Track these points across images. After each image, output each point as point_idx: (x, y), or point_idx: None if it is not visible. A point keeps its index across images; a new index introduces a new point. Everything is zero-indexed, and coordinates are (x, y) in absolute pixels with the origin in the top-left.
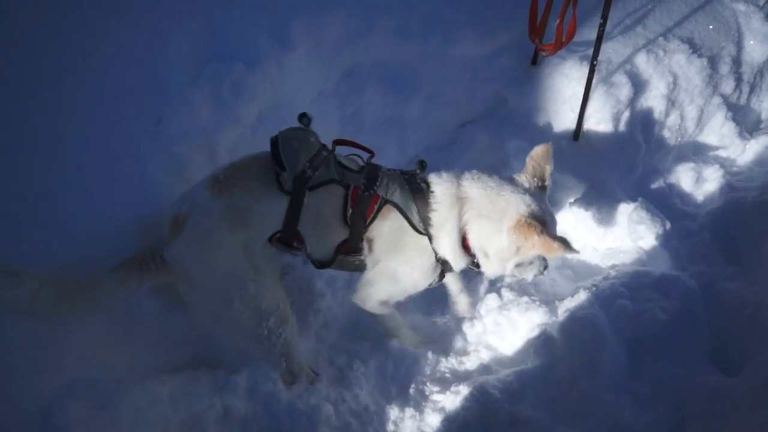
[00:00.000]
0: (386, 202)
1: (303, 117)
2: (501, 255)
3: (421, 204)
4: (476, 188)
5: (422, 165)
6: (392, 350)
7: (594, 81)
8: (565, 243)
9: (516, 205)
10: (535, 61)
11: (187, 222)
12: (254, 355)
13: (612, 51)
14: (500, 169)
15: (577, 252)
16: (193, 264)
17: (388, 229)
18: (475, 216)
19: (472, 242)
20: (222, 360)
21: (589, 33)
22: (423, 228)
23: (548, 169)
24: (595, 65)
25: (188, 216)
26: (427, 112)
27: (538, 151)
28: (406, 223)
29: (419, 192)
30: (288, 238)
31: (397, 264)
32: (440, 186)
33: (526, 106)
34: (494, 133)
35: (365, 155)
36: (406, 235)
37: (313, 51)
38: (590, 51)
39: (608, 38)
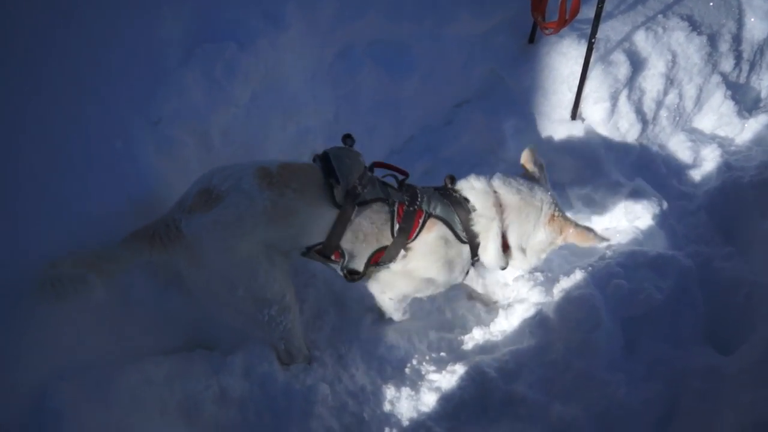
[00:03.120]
0: (430, 216)
1: (348, 138)
2: (538, 249)
3: (462, 215)
4: (511, 194)
5: (452, 179)
6: (388, 331)
7: (592, 59)
8: (596, 233)
9: (548, 203)
10: (532, 39)
11: (222, 200)
12: (251, 336)
13: (610, 29)
14: (496, 149)
15: (608, 240)
16: (211, 242)
17: (432, 239)
18: (516, 219)
19: (512, 242)
20: (217, 341)
21: (587, 11)
22: (466, 237)
23: (543, 166)
24: (593, 43)
25: (225, 195)
26: (423, 92)
27: (528, 154)
28: (450, 234)
29: (459, 205)
30: (329, 251)
31: (434, 268)
32: (478, 198)
33: (523, 85)
34: (490, 113)
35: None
36: (448, 244)
37: (307, 31)
38: (588, 29)
39: (607, 16)
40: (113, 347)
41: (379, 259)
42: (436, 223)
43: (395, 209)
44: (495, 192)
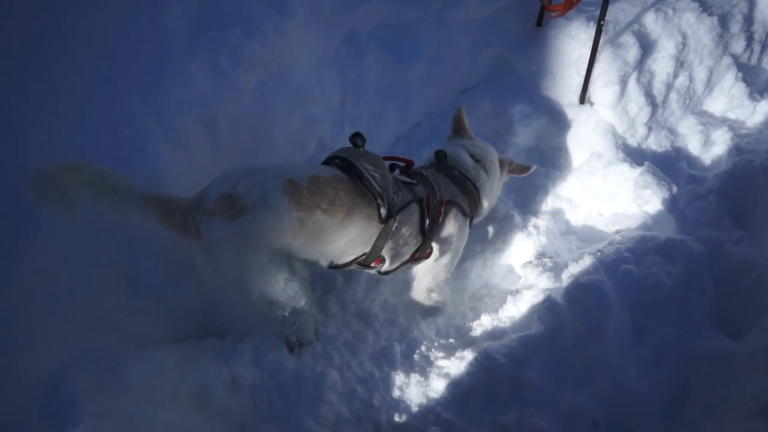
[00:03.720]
0: (447, 202)
1: (358, 137)
2: (497, 189)
3: (468, 194)
4: (481, 155)
5: (445, 155)
6: (397, 317)
7: (601, 42)
8: (528, 165)
9: (493, 151)
10: (540, 22)
11: (246, 213)
12: (260, 324)
13: (619, 11)
14: (504, 134)
15: (534, 167)
16: (230, 251)
17: (452, 223)
18: (490, 173)
19: (484, 198)
20: (227, 328)
21: None
22: (469, 212)
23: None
24: (602, 26)
25: (250, 207)
26: (429, 77)
27: (461, 112)
28: (460, 217)
29: (463, 185)
30: (370, 261)
31: (457, 246)
32: (470, 172)
33: (531, 69)
34: (498, 97)
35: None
36: (460, 223)
37: (312, 16)
38: (597, 11)
39: None
40: (124, 335)
41: (416, 256)
42: (453, 208)
43: (423, 205)
44: (473, 157)
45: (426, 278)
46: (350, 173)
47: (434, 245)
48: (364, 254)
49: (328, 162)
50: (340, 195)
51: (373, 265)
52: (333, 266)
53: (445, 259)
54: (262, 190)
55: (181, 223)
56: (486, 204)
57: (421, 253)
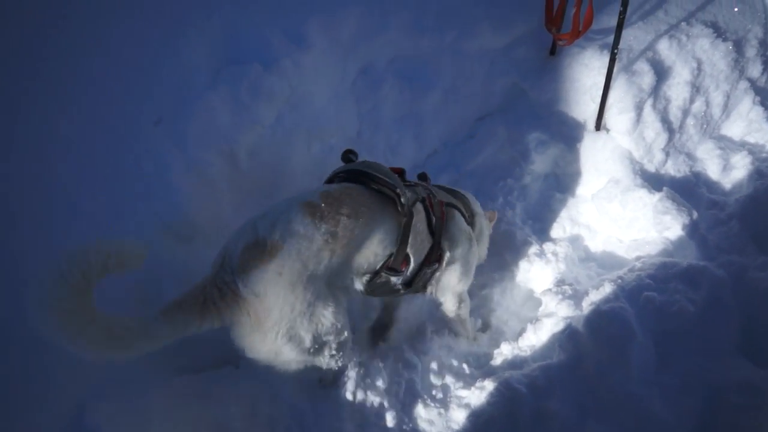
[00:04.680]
0: (447, 204)
1: (350, 153)
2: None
3: (462, 200)
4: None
5: (426, 176)
6: (416, 346)
7: (615, 70)
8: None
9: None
10: (553, 51)
11: (280, 249)
12: None
13: (633, 38)
14: (521, 161)
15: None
16: (277, 296)
17: (455, 223)
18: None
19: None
20: (245, 358)
21: (608, 20)
22: (468, 219)
23: None
24: (615, 54)
25: (282, 242)
26: (445, 106)
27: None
28: (462, 219)
29: (452, 192)
30: (398, 261)
31: (466, 253)
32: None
33: (546, 97)
34: (513, 125)
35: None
36: (464, 226)
37: (329, 49)
38: (610, 39)
39: (629, 25)
40: (145, 365)
41: (430, 259)
42: (453, 209)
43: (426, 204)
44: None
45: (447, 294)
46: (357, 182)
47: (445, 249)
48: (392, 254)
49: (330, 181)
50: (357, 199)
51: (401, 269)
52: (367, 287)
53: (458, 266)
54: (285, 222)
55: (218, 300)
56: (477, 208)
57: (434, 255)
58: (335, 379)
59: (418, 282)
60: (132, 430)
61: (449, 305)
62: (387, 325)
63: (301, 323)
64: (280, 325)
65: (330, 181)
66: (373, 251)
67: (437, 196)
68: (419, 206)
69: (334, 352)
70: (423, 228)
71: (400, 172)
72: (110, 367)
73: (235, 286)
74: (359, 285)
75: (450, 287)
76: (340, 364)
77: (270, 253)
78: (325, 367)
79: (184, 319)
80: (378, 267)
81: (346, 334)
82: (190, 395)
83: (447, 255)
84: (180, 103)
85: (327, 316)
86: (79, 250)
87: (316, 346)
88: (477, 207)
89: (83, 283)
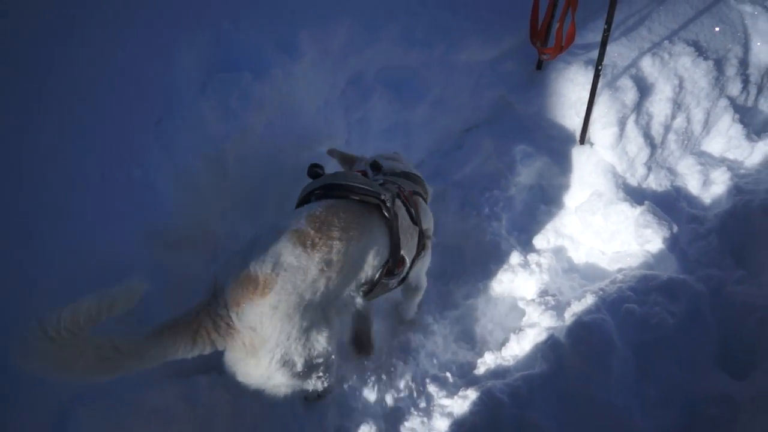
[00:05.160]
0: (413, 193)
1: (316, 167)
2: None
3: (418, 182)
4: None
5: (379, 165)
6: (398, 354)
7: (599, 85)
8: None
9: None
10: (540, 66)
11: (275, 284)
12: None
13: (617, 55)
14: (506, 173)
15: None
16: (273, 327)
17: (423, 213)
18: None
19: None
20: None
21: (593, 36)
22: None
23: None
24: (600, 70)
25: (276, 277)
26: (433, 117)
27: (333, 153)
28: (425, 203)
29: (408, 177)
30: (395, 263)
31: (431, 231)
32: (406, 167)
33: (532, 110)
34: (500, 137)
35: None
36: (428, 209)
37: (319, 59)
38: (595, 55)
39: (613, 42)
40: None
41: (419, 249)
42: (417, 197)
43: (402, 199)
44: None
45: (422, 276)
46: (336, 197)
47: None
48: (387, 260)
49: (306, 201)
50: (343, 216)
51: (397, 271)
52: (367, 296)
53: (429, 248)
54: (275, 255)
55: (211, 329)
56: (428, 187)
57: (420, 245)
58: (320, 397)
59: (409, 274)
60: None
61: (423, 285)
62: (366, 330)
63: (295, 349)
64: (275, 352)
65: (305, 200)
66: (370, 264)
67: (405, 187)
68: (398, 202)
69: (321, 374)
70: (408, 224)
71: (363, 174)
72: None
73: (230, 319)
74: (359, 299)
75: (424, 269)
76: (326, 384)
77: (263, 287)
78: (311, 388)
79: (175, 343)
80: (376, 277)
81: (333, 356)
82: (175, 400)
83: (427, 242)
84: (169, 109)
85: (321, 342)
86: (68, 309)
87: (306, 370)
88: (428, 186)
89: (72, 337)
